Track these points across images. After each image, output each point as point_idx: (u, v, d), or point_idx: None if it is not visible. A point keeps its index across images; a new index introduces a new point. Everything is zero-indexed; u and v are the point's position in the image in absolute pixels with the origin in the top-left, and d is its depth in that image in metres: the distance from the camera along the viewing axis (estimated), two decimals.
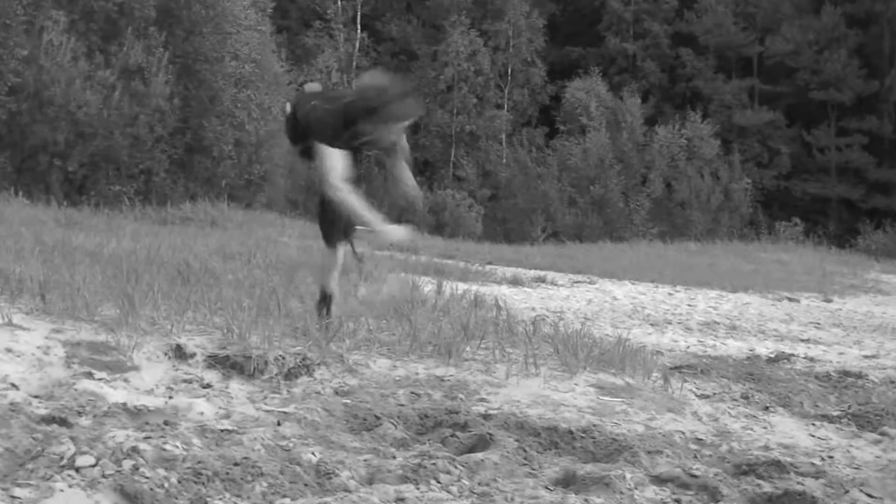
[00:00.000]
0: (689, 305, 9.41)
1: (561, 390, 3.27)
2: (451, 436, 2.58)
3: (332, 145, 3.72)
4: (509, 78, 36.31)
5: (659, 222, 31.30)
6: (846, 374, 4.77)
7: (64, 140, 17.47)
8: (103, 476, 1.91)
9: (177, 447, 2.12)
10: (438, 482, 2.12)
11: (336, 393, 2.99)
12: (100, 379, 2.74)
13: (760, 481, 2.30)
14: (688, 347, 5.87)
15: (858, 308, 10.78)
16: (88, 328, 3.27)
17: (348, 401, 2.84)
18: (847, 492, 2.26)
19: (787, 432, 3.05)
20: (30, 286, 3.78)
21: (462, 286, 7.76)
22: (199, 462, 2.03)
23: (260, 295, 4.52)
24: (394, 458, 2.33)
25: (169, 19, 20.40)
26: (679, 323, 7.58)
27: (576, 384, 3.38)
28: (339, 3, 35.00)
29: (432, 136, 34.27)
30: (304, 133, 3.87)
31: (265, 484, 2.00)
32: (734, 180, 33.42)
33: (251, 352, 3.15)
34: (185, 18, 20.65)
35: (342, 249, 4.12)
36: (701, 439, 2.82)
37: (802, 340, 6.88)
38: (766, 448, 2.76)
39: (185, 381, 2.94)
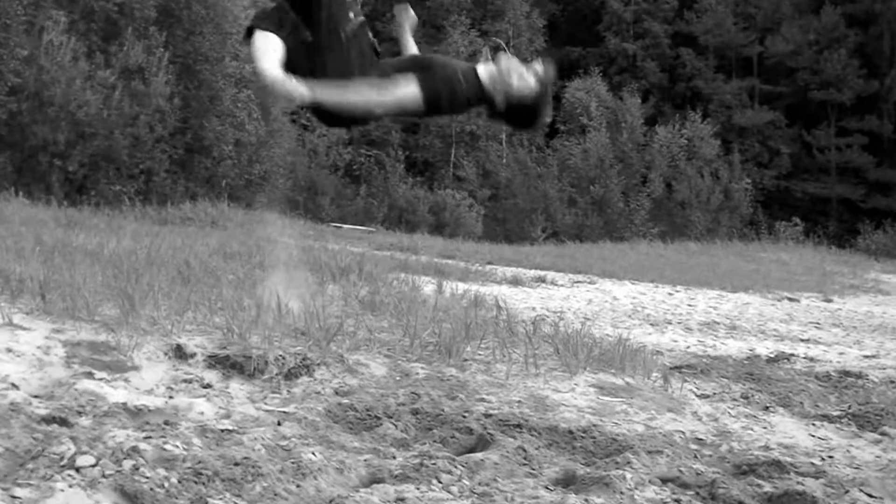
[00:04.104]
0: (689, 305, 9.41)
1: (561, 390, 3.27)
2: (452, 436, 2.58)
3: None
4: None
5: (659, 222, 31.33)
6: (846, 374, 4.77)
7: (64, 140, 17.47)
8: (103, 476, 1.91)
9: (177, 447, 2.12)
10: (439, 482, 2.12)
11: (336, 393, 2.99)
12: (100, 379, 2.74)
13: (760, 481, 2.30)
14: (688, 347, 5.87)
15: (858, 308, 10.78)
16: (88, 328, 3.27)
17: (348, 401, 2.84)
18: (847, 492, 2.26)
19: (787, 432, 3.05)
20: (30, 286, 3.78)
21: (462, 286, 7.76)
22: (200, 462, 2.03)
23: (260, 295, 4.52)
24: (394, 458, 2.33)
25: (169, 19, 20.42)
26: (679, 323, 7.58)
27: (576, 384, 3.39)
28: None
29: (432, 136, 34.29)
30: None
31: (265, 484, 2.00)
32: (734, 180, 33.45)
33: (251, 352, 3.15)
34: (185, 18, 20.67)
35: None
36: (701, 439, 2.82)
37: (802, 340, 6.88)
38: (766, 448, 2.76)
39: (185, 380, 2.94)
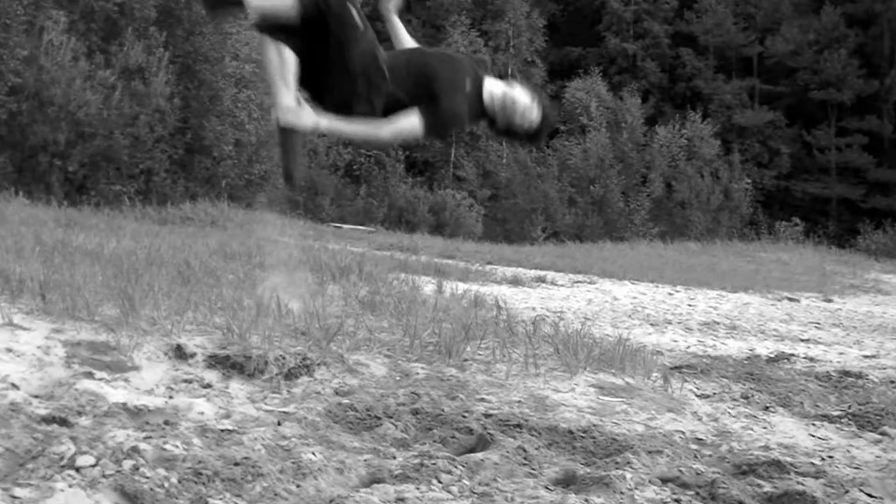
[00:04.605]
0: (689, 305, 9.41)
1: (561, 390, 3.27)
2: (452, 436, 2.58)
3: None
4: (509, 78, 36.29)
5: (659, 222, 31.33)
6: (846, 374, 4.77)
7: (64, 140, 17.47)
8: (103, 476, 1.91)
9: (177, 447, 2.12)
10: (439, 482, 2.12)
11: (336, 393, 2.99)
12: (100, 379, 2.74)
13: (760, 481, 2.31)
14: (688, 347, 5.87)
15: (858, 308, 10.78)
16: (88, 328, 3.27)
17: (348, 401, 2.84)
18: (847, 492, 2.26)
19: (787, 432, 3.05)
20: (30, 286, 3.78)
21: (462, 286, 7.76)
22: (200, 462, 2.03)
23: (260, 295, 4.52)
24: (394, 458, 2.33)
25: (169, 19, 20.41)
26: (679, 323, 7.58)
27: (576, 384, 3.39)
28: None
29: None
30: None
31: (265, 484, 2.00)
32: (734, 180, 33.46)
33: (251, 352, 3.15)
34: (185, 18, 20.66)
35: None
36: (701, 439, 2.82)
37: (802, 340, 6.88)
38: (766, 448, 2.76)
39: (185, 380, 2.94)
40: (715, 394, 3.80)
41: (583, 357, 3.76)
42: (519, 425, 2.68)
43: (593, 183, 32.18)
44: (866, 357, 5.90)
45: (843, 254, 24.89)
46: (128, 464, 1.96)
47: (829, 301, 11.44)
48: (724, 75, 39.92)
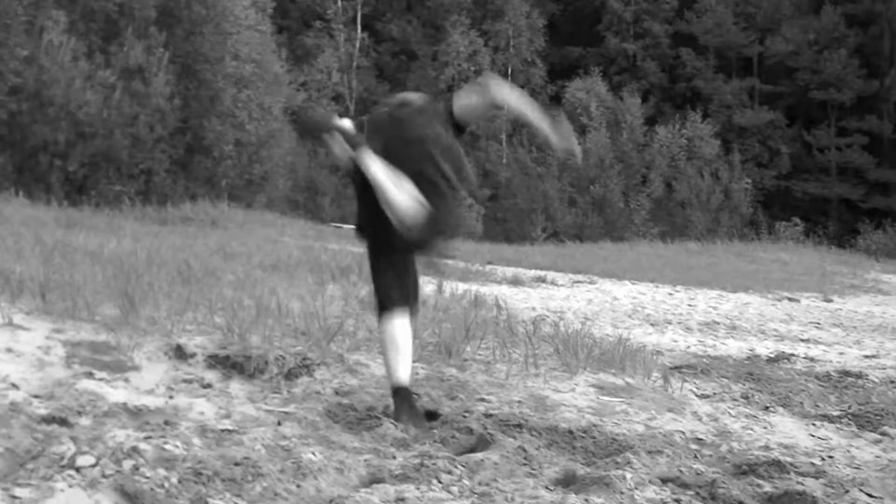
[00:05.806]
0: (689, 305, 9.41)
1: (561, 390, 3.27)
2: (452, 436, 2.58)
3: None
4: (509, 78, 36.27)
5: (659, 222, 31.30)
6: (846, 374, 4.77)
7: (64, 140, 17.46)
8: (104, 476, 1.91)
9: (177, 447, 2.12)
10: (439, 482, 2.12)
11: (336, 393, 2.99)
12: (100, 379, 2.75)
13: (760, 481, 2.30)
14: (688, 347, 5.87)
15: (858, 308, 10.78)
16: (89, 328, 3.27)
17: (348, 401, 2.84)
18: (847, 492, 2.26)
19: (787, 432, 3.05)
20: (30, 286, 3.78)
21: (462, 286, 7.76)
22: (200, 462, 2.03)
23: (260, 295, 4.52)
24: (394, 458, 2.33)
25: (169, 19, 20.39)
26: (679, 323, 7.58)
27: (576, 384, 3.39)
28: (340, 3, 35.00)
29: None
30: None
31: (265, 484, 2.00)
32: (734, 180, 33.42)
33: (251, 352, 3.15)
34: (185, 18, 20.64)
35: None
36: (701, 439, 2.82)
37: (802, 340, 6.88)
38: (766, 448, 2.76)
39: (185, 380, 2.94)
40: (715, 394, 3.80)
41: (583, 357, 3.76)
42: (519, 425, 2.68)
43: (593, 183, 32.16)
44: (866, 357, 5.90)
45: (843, 254, 24.86)
46: (128, 464, 1.96)
47: (829, 301, 11.44)
48: (724, 75, 39.88)
